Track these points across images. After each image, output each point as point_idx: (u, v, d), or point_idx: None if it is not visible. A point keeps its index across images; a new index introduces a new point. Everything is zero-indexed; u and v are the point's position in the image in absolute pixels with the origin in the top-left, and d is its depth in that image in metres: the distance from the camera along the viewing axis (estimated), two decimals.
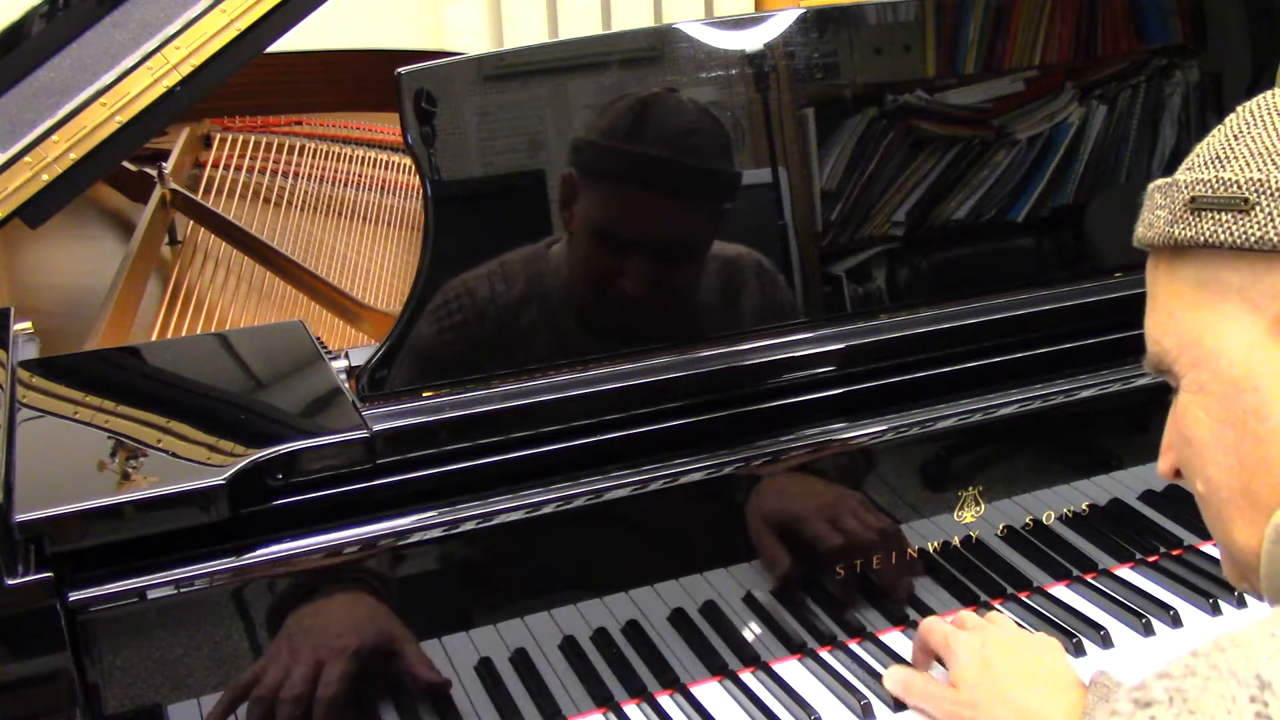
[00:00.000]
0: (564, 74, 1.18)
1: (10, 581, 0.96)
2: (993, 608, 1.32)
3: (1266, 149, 0.75)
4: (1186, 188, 0.78)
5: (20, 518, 0.95)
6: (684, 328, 1.23)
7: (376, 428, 1.08)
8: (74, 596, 0.98)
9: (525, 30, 3.50)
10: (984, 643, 1.14)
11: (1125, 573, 1.38)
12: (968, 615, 1.23)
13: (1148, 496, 1.39)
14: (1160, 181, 0.82)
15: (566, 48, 1.22)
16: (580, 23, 3.55)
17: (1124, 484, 1.37)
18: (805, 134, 1.26)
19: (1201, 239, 0.76)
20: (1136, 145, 1.39)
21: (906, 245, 1.31)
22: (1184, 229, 0.78)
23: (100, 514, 0.97)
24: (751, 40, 1.22)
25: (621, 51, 1.19)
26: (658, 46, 1.20)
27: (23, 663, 0.99)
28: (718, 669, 1.22)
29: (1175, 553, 1.41)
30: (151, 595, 1.00)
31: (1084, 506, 1.35)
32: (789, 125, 1.24)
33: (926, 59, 1.30)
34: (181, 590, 1.01)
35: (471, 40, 3.49)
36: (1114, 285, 1.36)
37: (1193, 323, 0.78)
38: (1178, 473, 0.85)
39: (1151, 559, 1.40)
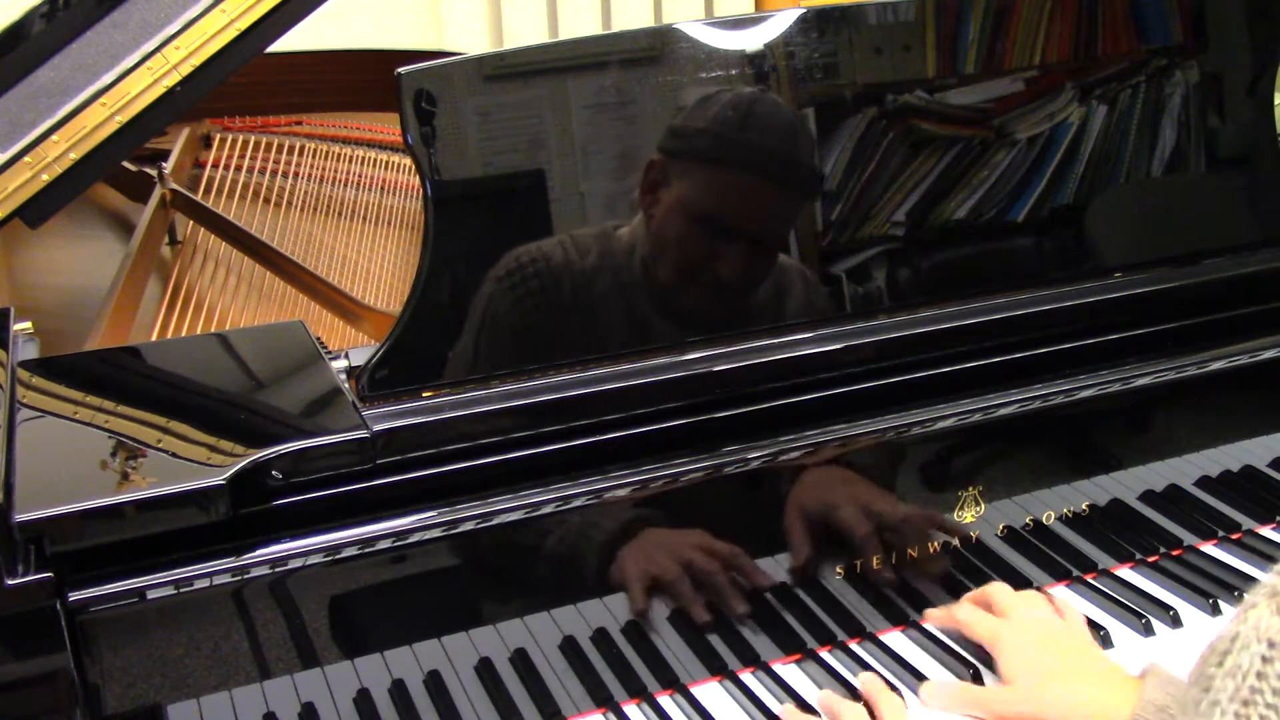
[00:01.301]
0: (564, 74, 1.18)
1: (10, 581, 0.96)
2: None
3: None
4: None
5: (20, 518, 0.95)
6: (739, 322, 1.24)
7: (376, 428, 1.08)
8: (74, 596, 0.98)
9: (525, 30, 3.50)
10: (1029, 633, 1.17)
11: (1125, 573, 1.38)
12: (1004, 599, 1.23)
13: (1148, 496, 1.39)
14: None
15: (566, 48, 1.22)
16: (580, 23, 3.55)
17: (1124, 484, 1.37)
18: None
19: None
20: (1136, 145, 1.39)
21: (906, 245, 1.31)
22: None
23: (100, 514, 0.97)
24: (751, 40, 1.22)
25: (621, 51, 1.19)
26: (658, 46, 1.20)
27: (23, 663, 0.99)
28: (718, 669, 1.22)
29: (1175, 553, 1.41)
30: (151, 595, 1.00)
31: (1084, 506, 1.35)
32: None
33: (926, 59, 1.30)
34: (181, 590, 1.01)
35: (471, 40, 3.49)
36: (1114, 285, 1.36)
37: None
38: None
39: (1151, 559, 1.40)
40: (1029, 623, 1.19)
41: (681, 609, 1.19)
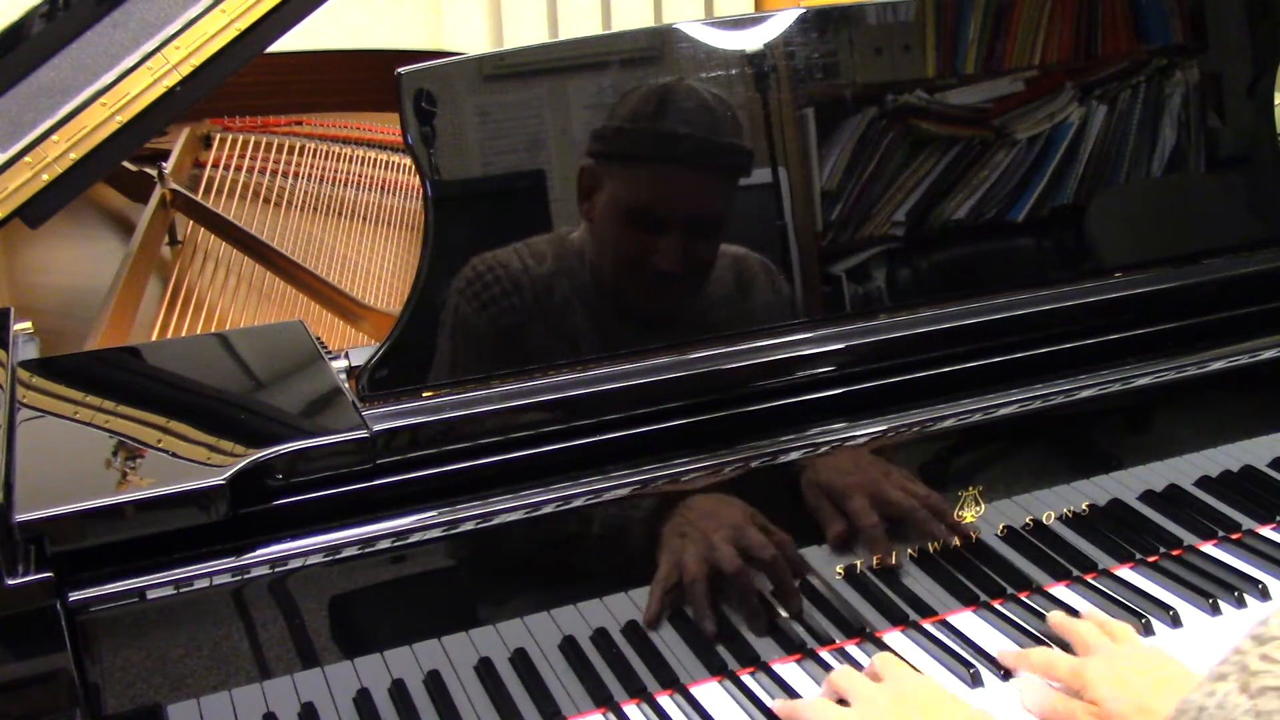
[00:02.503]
0: (564, 74, 1.18)
1: (10, 581, 0.96)
2: (992, 607, 1.32)
3: None
4: None
5: (20, 518, 0.95)
6: (703, 320, 1.24)
7: (376, 428, 1.08)
8: (74, 596, 0.98)
9: (525, 30, 3.50)
10: (1113, 662, 1.16)
11: (1125, 573, 1.38)
12: (1087, 632, 1.22)
13: (1148, 496, 1.39)
14: None
15: (566, 48, 1.22)
16: (580, 23, 3.55)
17: (1124, 484, 1.37)
18: (805, 134, 1.26)
19: None
20: (1136, 145, 1.39)
21: (906, 245, 1.31)
22: None
23: (100, 514, 0.97)
24: (751, 40, 1.22)
25: (621, 51, 1.19)
26: (658, 46, 1.20)
27: (23, 663, 0.99)
28: (718, 669, 1.22)
29: (1175, 553, 1.41)
30: (151, 595, 1.00)
31: (1084, 506, 1.35)
32: (789, 125, 1.25)
33: (926, 59, 1.30)
34: (181, 590, 1.01)
35: (471, 40, 3.49)
36: (1114, 285, 1.36)
37: None
38: None
39: (1151, 559, 1.40)
40: (1111, 653, 1.18)
41: (683, 607, 1.19)
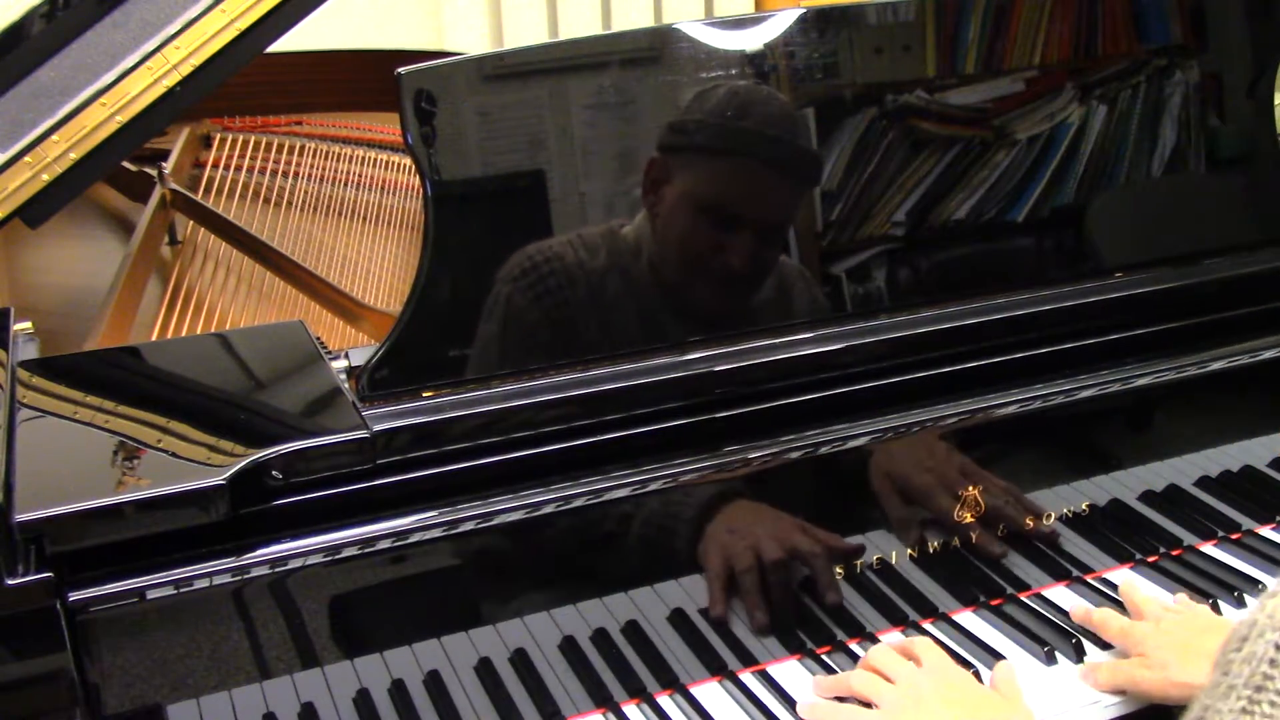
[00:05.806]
0: (564, 74, 1.18)
1: (10, 581, 0.96)
2: (991, 607, 1.32)
3: None
4: None
5: (20, 518, 0.95)
6: (752, 317, 1.25)
7: (376, 428, 1.08)
8: (74, 596, 0.98)
9: (525, 30, 3.50)
10: (1158, 622, 1.22)
11: (1125, 573, 1.38)
12: (1143, 601, 1.26)
13: (1148, 496, 1.39)
14: None
15: (566, 48, 1.22)
16: (580, 23, 3.55)
17: (1124, 484, 1.37)
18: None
19: None
20: (1136, 145, 1.39)
21: (906, 245, 1.31)
22: None
23: (100, 514, 0.98)
24: (751, 40, 1.22)
25: (621, 51, 1.19)
26: (658, 46, 1.20)
27: (23, 663, 0.99)
28: (717, 669, 1.22)
29: (1175, 553, 1.41)
30: (151, 595, 1.00)
31: (1084, 506, 1.35)
32: None
33: (926, 59, 1.30)
34: (181, 590, 1.01)
35: (471, 40, 3.49)
36: (1114, 285, 1.36)
37: None
38: None
39: (1151, 559, 1.40)
40: (1158, 615, 1.23)
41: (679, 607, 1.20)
